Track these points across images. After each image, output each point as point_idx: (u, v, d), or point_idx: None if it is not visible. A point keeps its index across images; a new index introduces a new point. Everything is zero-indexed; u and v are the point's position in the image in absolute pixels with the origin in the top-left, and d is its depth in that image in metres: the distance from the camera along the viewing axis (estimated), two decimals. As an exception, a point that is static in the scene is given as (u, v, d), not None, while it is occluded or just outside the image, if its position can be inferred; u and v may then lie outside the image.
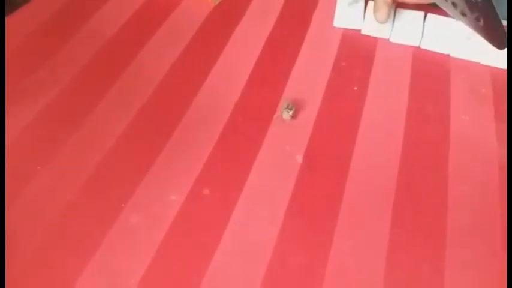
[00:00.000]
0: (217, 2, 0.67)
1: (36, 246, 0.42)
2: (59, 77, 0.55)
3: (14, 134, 0.49)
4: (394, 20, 0.63)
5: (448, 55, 0.61)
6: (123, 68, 0.57)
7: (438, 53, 0.62)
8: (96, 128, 0.51)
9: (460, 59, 0.61)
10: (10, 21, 0.61)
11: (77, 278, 0.40)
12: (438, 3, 0.58)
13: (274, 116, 0.53)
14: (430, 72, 0.60)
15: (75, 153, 0.48)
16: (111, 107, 0.53)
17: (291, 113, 0.52)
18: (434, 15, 0.63)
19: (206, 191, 0.46)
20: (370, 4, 0.64)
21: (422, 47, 0.62)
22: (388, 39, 0.63)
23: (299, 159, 0.49)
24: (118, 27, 0.62)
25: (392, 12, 0.63)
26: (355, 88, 0.57)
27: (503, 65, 0.60)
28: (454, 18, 0.60)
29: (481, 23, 0.55)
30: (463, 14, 0.56)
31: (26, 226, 0.43)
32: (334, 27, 0.64)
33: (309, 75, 0.58)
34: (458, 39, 0.61)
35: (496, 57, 0.60)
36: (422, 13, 0.64)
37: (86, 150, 0.49)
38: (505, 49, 0.56)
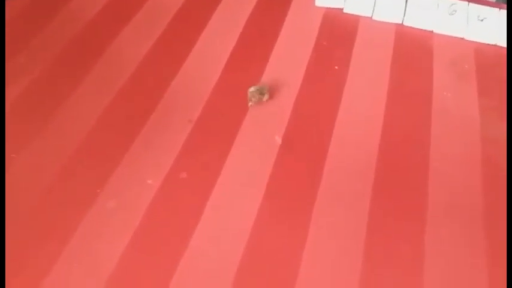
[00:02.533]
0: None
1: (12, 232, 0.41)
2: (38, 61, 0.55)
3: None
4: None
5: (432, 31, 0.60)
6: (100, 52, 0.56)
7: (421, 30, 0.61)
8: (72, 113, 0.50)
9: (444, 35, 0.60)
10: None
11: (54, 263, 0.40)
12: None
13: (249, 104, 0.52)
14: (413, 49, 0.59)
15: (50, 139, 0.48)
16: (88, 91, 0.52)
17: (266, 96, 0.51)
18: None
19: (183, 175, 0.46)
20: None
21: (405, 24, 0.61)
22: (371, 17, 0.62)
23: (278, 140, 0.49)
24: (96, 11, 0.61)
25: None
26: (336, 67, 0.56)
27: (487, 40, 0.59)
28: None
29: None
30: None
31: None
32: (316, 6, 0.63)
33: (290, 55, 0.57)
34: (442, 15, 0.60)
35: (479, 33, 0.59)
36: (405, -10, 0.63)
37: (61, 135, 0.48)
38: (490, 25, 0.55)
